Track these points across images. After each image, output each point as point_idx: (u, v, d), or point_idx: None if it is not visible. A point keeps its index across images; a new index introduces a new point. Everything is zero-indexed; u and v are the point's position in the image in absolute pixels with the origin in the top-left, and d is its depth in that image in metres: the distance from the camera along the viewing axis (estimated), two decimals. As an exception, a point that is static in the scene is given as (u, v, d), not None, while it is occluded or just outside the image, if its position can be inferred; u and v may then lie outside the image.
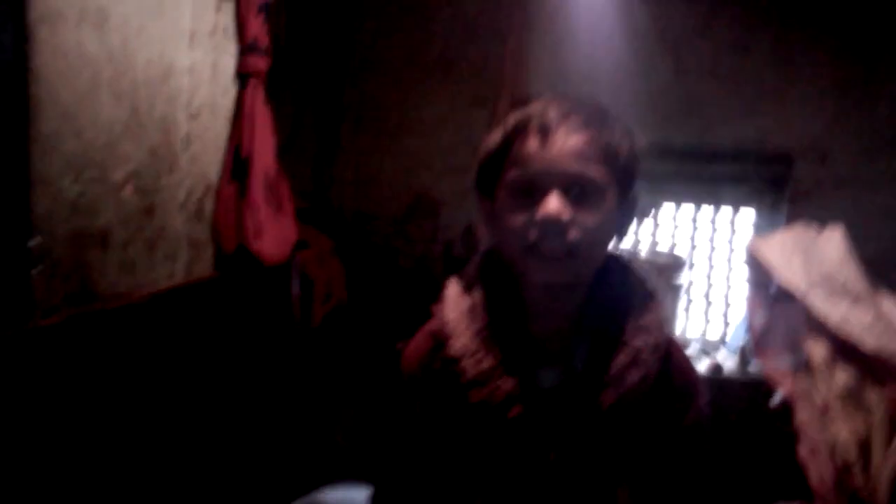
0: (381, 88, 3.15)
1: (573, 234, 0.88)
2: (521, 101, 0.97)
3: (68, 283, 1.54)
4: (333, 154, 3.21)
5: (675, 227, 3.24)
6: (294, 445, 2.66)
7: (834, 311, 1.86)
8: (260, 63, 2.11)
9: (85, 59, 1.54)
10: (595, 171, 0.90)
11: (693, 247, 3.23)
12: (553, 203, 0.88)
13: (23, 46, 1.36)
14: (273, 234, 2.11)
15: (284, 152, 2.63)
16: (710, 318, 3.23)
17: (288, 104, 2.92)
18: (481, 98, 3.05)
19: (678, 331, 3.16)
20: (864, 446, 1.80)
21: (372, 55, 3.14)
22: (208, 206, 2.08)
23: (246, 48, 2.09)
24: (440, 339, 0.98)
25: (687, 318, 3.22)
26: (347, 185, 3.23)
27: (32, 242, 1.45)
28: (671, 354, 0.98)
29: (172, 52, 1.85)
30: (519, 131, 0.93)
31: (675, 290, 2.94)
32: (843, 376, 1.85)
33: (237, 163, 2.07)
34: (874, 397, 1.81)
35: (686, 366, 1.02)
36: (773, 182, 3.02)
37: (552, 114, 0.91)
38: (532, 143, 0.91)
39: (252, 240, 2.06)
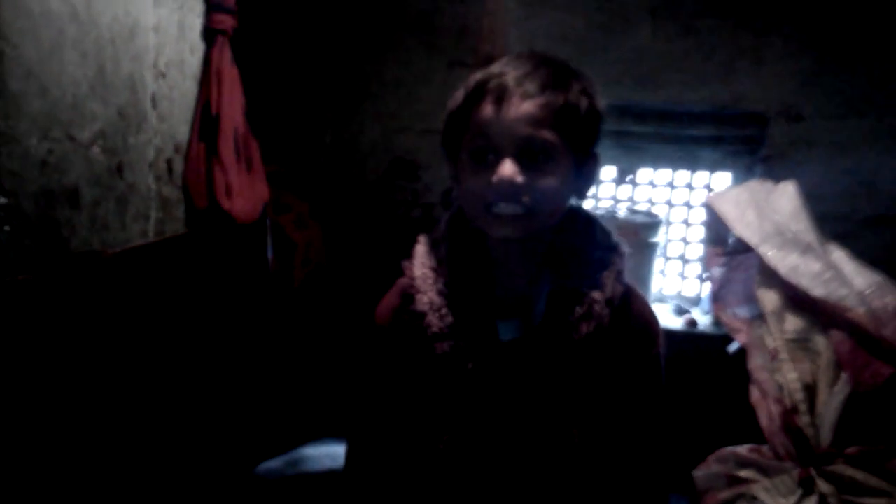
0: (358, 49, 3.15)
1: (528, 197, 0.94)
2: (485, 62, 1.01)
3: (39, 242, 1.57)
4: (311, 117, 3.22)
5: (653, 187, 3.28)
6: (274, 402, 2.72)
7: (785, 260, 1.92)
8: (227, 21, 2.12)
9: (48, 17, 1.55)
10: (549, 136, 0.94)
11: (670, 207, 3.27)
12: (507, 168, 0.93)
13: (-16, 5, 1.38)
14: (244, 193, 2.14)
15: (260, 115, 2.64)
16: (686, 277, 3.29)
17: (260, 65, 2.92)
18: (460, 59, 3.05)
19: (655, 288, 3.22)
20: (810, 388, 1.87)
21: (348, 15, 3.13)
22: (178, 164, 2.10)
23: (212, 6, 2.10)
24: (409, 294, 1.04)
25: (664, 276, 3.28)
26: (326, 148, 3.24)
27: (1, 201, 1.48)
28: (631, 302, 1.04)
29: (137, 9, 1.86)
30: (477, 95, 0.97)
31: (652, 248, 2.99)
32: (792, 323, 1.92)
33: (206, 121, 2.09)
34: (821, 342, 1.87)
35: (645, 311, 1.07)
36: (749, 143, 3.05)
37: (509, 77, 0.95)
38: (488, 109, 0.95)
39: (223, 198, 2.09)
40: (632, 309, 1.04)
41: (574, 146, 0.97)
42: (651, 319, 1.07)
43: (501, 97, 0.94)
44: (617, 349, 1.01)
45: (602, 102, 1.00)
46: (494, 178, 0.93)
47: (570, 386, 0.99)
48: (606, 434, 1.02)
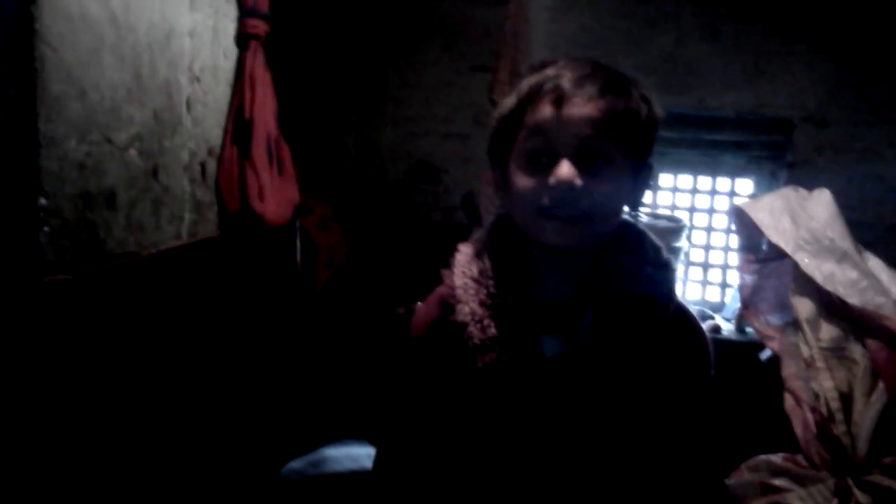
0: (381, 54, 3.16)
1: (585, 201, 0.89)
2: (535, 66, 0.96)
3: (77, 243, 1.58)
4: (334, 120, 3.23)
5: (676, 192, 3.27)
6: (297, 403, 2.73)
7: (821, 268, 1.91)
8: (260, 26, 2.14)
9: (88, 22, 1.57)
10: (608, 140, 0.90)
11: (692, 212, 3.26)
12: (565, 169, 0.88)
13: (28, 8, 1.38)
14: (275, 196, 2.15)
15: (284, 118, 2.66)
16: (709, 283, 3.28)
17: (285, 69, 2.94)
18: (481, 64, 3.06)
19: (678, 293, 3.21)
20: (847, 397, 1.86)
21: (372, 20, 3.14)
22: (211, 167, 2.12)
23: (246, 11, 2.12)
24: (449, 304, 1.00)
25: (686, 281, 3.27)
26: (348, 151, 3.26)
27: (41, 202, 1.49)
28: (682, 321, 1.00)
29: (174, 15, 1.88)
30: (533, 97, 0.92)
31: (675, 253, 2.99)
32: (828, 331, 1.91)
33: (239, 125, 2.11)
34: (857, 351, 1.86)
35: (697, 331, 1.03)
36: (773, 148, 3.04)
37: (567, 80, 0.90)
38: (546, 110, 0.91)
39: (255, 201, 2.10)
40: (684, 328, 1.00)
41: (632, 153, 0.93)
42: (703, 340, 1.02)
43: (561, 98, 0.90)
44: (667, 369, 0.97)
45: (660, 110, 0.96)
46: (551, 180, 0.88)
47: (617, 406, 0.95)
48: (653, 455, 0.98)
